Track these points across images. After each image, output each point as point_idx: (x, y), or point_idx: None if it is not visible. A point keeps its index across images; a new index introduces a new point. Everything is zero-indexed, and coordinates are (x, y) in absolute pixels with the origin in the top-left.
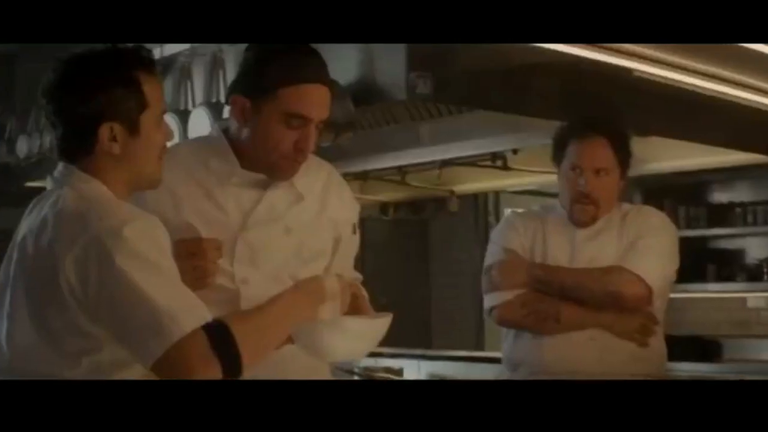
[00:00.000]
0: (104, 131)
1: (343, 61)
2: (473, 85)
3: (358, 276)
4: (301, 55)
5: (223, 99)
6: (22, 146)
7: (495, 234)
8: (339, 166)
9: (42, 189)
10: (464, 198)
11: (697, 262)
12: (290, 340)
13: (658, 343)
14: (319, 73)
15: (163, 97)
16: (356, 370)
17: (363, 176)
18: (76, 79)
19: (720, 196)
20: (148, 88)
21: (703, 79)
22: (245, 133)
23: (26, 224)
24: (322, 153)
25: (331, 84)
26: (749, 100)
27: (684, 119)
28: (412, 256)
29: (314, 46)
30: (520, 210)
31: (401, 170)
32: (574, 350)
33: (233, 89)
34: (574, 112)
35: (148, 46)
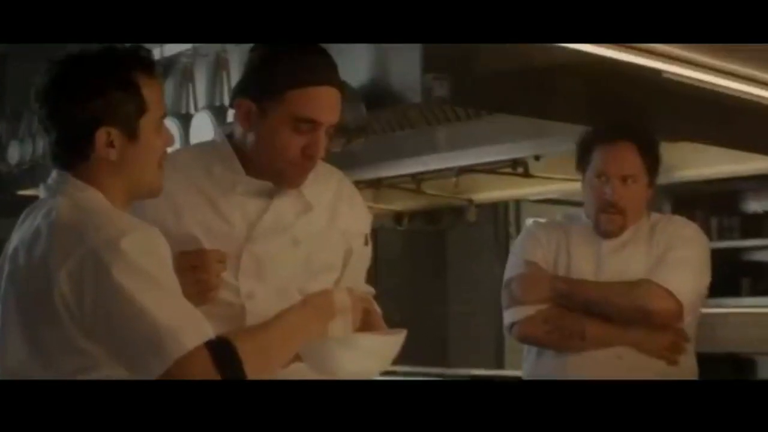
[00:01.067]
0: (101, 136)
1: (355, 62)
2: (493, 87)
3: (371, 290)
4: (310, 55)
5: (227, 102)
6: (14, 152)
7: (516, 245)
8: (350, 173)
9: (34, 198)
10: (483, 207)
11: (731, 276)
12: (298, 358)
13: (689, 362)
14: (329, 74)
15: (163, 101)
16: None
17: (376, 184)
18: (70, 81)
19: (754, 205)
20: (148, 90)
21: (736, 81)
22: (251, 138)
23: (18, 235)
24: (333, 159)
25: (342, 86)
26: None
27: (716, 123)
28: (427, 269)
29: (324, 46)
30: (542, 220)
31: (416, 178)
32: (600, 369)
33: (238, 92)
34: (599, 116)
35: (147, 46)
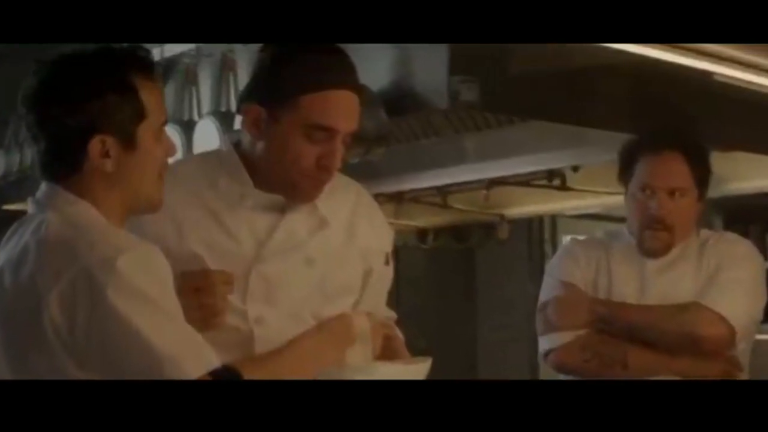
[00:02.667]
0: (95, 145)
1: (375, 64)
2: (526, 91)
3: (392, 314)
4: (325, 56)
5: (234, 108)
6: None
7: (551, 265)
8: (370, 186)
9: (22, 213)
10: (516, 223)
11: None
12: None
13: None
14: (346, 76)
15: (163, 106)
16: None
17: (398, 198)
18: (61, 83)
19: None
20: (147, 94)
21: None
22: (260, 147)
23: (4, 254)
24: (350, 171)
25: (361, 90)
26: None
27: None
28: (454, 290)
29: (341, 45)
30: (580, 237)
31: (442, 191)
32: None
33: (246, 96)
34: (644, 122)
35: (146, 45)
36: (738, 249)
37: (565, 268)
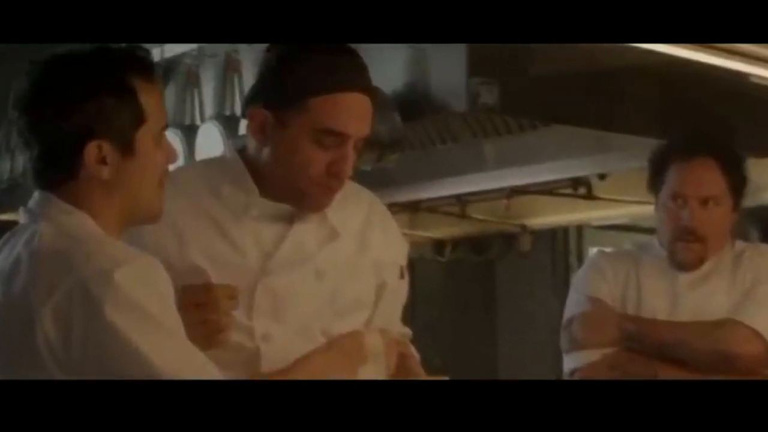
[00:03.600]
0: (91, 151)
1: (389, 65)
2: (549, 94)
3: (407, 331)
4: (336, 56)
5: (238, 111)
6: None
7: (577, 279)
8: (383, 194)
9: (14, 223)
10: (538, 234)
11: None
12: None
13: None
14: (358, 78)
15: (164, 109)
16: None
17: (413, 207)
18: (56, 86)
19: None
20: (146, 97)
21: None
22: (266, 153)
23: None
24: (363, 178)
25: (374, 92)
26: None
27: None
28: (473, 306)
29: (352, 45)
30: (608, 249)
31: (460, 200)
32: None
33: (251, 99)
34: (675, 127)
35: (145, 45)
36: None
37: (592, 283)
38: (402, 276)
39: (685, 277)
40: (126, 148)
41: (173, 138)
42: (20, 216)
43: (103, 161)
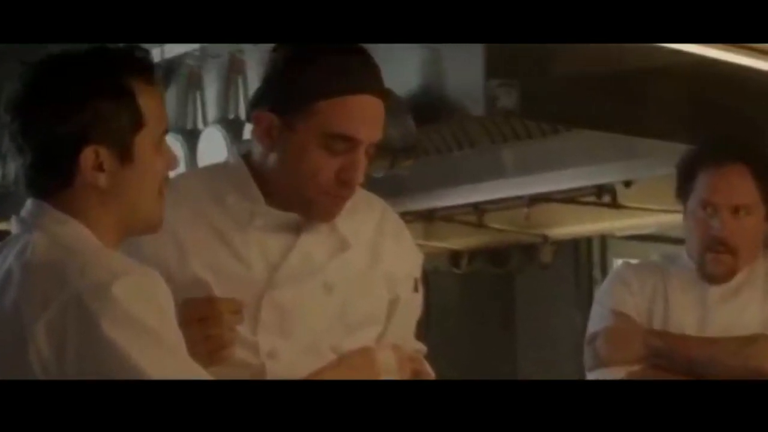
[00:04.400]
0: (87, 157)
1: (402, 66)
2: (572, 97)
3: (422, 347)
4: (346, 57)
5: (243, 115)
6: None
7: (601, 293)
8: (396, 203)
9: (5, 233)
10: (560, 245)
11: None
12: None
13: None
14: (370, 80)
15: (164, 113)
16: None
17: (428, 216)
18: (49, 88)
19: None
20: (145, 100)
21: None
22: (272, 159)
23: None
24: (374, 186)
25: (386, 95)
26: None
27: None
28: (491, 321)
29: (363, 45)
30: (633, 261)
31: (478, 209)
32: None
33: (257, 102)
34: (705, 131)
35: (145, 45)
36: None
37: (617, 296)
38: (416, 289)
39: (715, 291)
40: (124, 153)
41: (174, 143)
42: (12, 226)
43: (99, 168)
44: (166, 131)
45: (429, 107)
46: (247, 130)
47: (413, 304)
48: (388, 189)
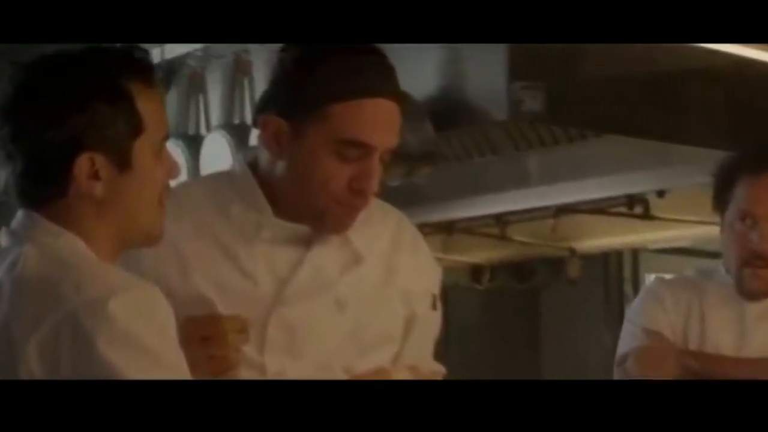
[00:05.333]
0: (82, 165)
1: (420, 67)
2: (601, 100)
3: (440, 368)
4: (360, 58)
5: (249, 120)
6: None
7: (633, 310)
8: (413, 213)
9: None
10: (589, 259)
11: None
12: None
13: None
14: (385, 83)
15: (165, 117)
16: None
17: (447, 228)
18: (42, 91)
19: None
20: (145, 103)
21: None
22: (281, 167)
23: None
24: (390, 195)
25: (403, 99)
26: None
27: None
28: (515, 339)
29: (378, 45)
30: (667, 276)
31: (500, 220)
32: None
33: (264, 106)
34: (744, 137)
35: (144, 45)
36: None
37: (649, 314)
38: (434, 306)
39: (753, 308)
40: (122, 161)
41: (175, 150)
42: (2, 238)
43: (95, 176)
44: (166, 137)
45: (448, 111)
46: (254, 136)
47: (431, 322)
48: (404, 199)
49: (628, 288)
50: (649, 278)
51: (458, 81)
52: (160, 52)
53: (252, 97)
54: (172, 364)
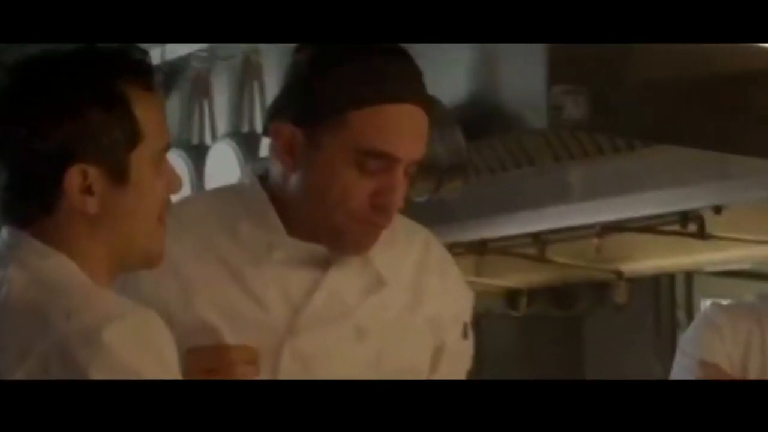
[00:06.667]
0: (73, 178)
1: (449, 70)
2: (651, 106)
3: None
4: (382, 59)
5: (259, 128)
6: None
7: (687, 339)
8: (442, 232)
9: None
10: (637, 283)
11: None
12: None
13: None
14: (411, 87)
15: (165, 125)
16: None
17: (479, 249)
18: (28, 97)
19: None
20: (143, 109)
21: None
22: (295, 181)
23: None
24: (416, 212)
25: (430, 104)
26: None
27: None
28: (555, 372)
29: (403, 45)
30: (724, 302)
31: (539, 239)
32: None
33: (276, 113)
34: None
35: (142, 45)
36: None
37: (705, 343)
38: (465, 335)
39: None
40: (117, 174)
41: (177, 161)
42: None
43: (88, 191)
44: (167, 147)
45: (481, 118)
46: (264, 146)
47: (462, 353)
48: (432, 216)
49: (680, 315)
50: (705, 304)
51: (492, 85)
52: (160, 53)
53: (262, 103)
54: None
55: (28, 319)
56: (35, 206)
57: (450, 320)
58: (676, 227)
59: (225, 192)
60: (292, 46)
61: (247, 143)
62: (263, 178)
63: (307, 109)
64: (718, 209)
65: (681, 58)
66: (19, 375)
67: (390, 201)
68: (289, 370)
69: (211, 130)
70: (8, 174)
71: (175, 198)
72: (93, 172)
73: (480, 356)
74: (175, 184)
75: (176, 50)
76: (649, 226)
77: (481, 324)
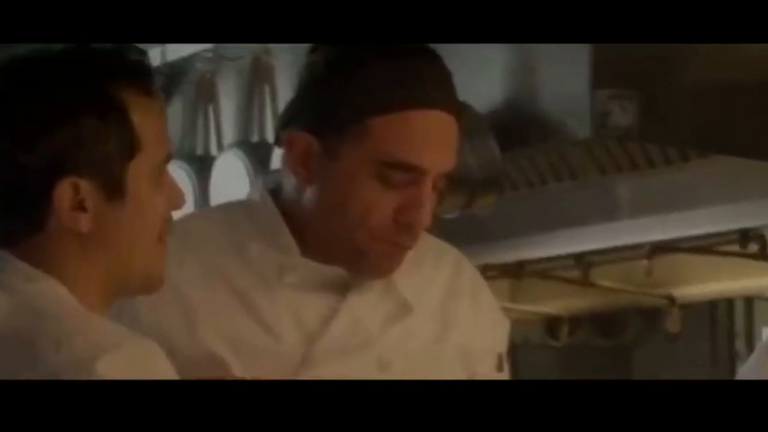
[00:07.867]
0: (64, 193)
1: (483, 73)
2: (707, 113)
3: None
4: (407, 60)
5: (271, 137)
6: None
7: (747, 371)
8: (475, 253)
9: None
10: (692, 309)
11: None
12: None
13: None
14: (439, 91)
15: (166, 134)
16: None
17: (516, 272)
18: (14, 103)
19: None
20: (141, 117)
21: None
22: (310, 195)
23: None
24: (446, 230)
25: (461, 111)
26: None
27: None
28: None
29: (430, 45)
30: None
31: (582, 261)
32: None
33: (289, 120)
34: None
35: (141, 45)
36: None
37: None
38: (500, 367)
39: None
40: (113, 188)
41: (179, 174)
42: None
43: (80, 207)
44: (168, 158)
45: (517, 126)
46: (276, 157)
47: None
48: (463, 235)
49: (740, 344)
50: (766, 333)
51: (529, 89)
52: (160, 53)
53: (274, 109)
54: None
55: (14, 349)
56: (21, 224)
57: (483, 351)
58: (735, 247)
59: (232, 208)
60: (306, 45)
61: (256, 154)
62: (275, 193)
63: (324, 115)
64: None
65: (740, 58)
66: None
67: (416, 218)
68: None
69: (216, 139)
70: None
71: (177, 215)
72: (85, 186)
73: None
74: (176, 199)
75: (178, 50)
76: (704, 246)
77: (517, 355)
